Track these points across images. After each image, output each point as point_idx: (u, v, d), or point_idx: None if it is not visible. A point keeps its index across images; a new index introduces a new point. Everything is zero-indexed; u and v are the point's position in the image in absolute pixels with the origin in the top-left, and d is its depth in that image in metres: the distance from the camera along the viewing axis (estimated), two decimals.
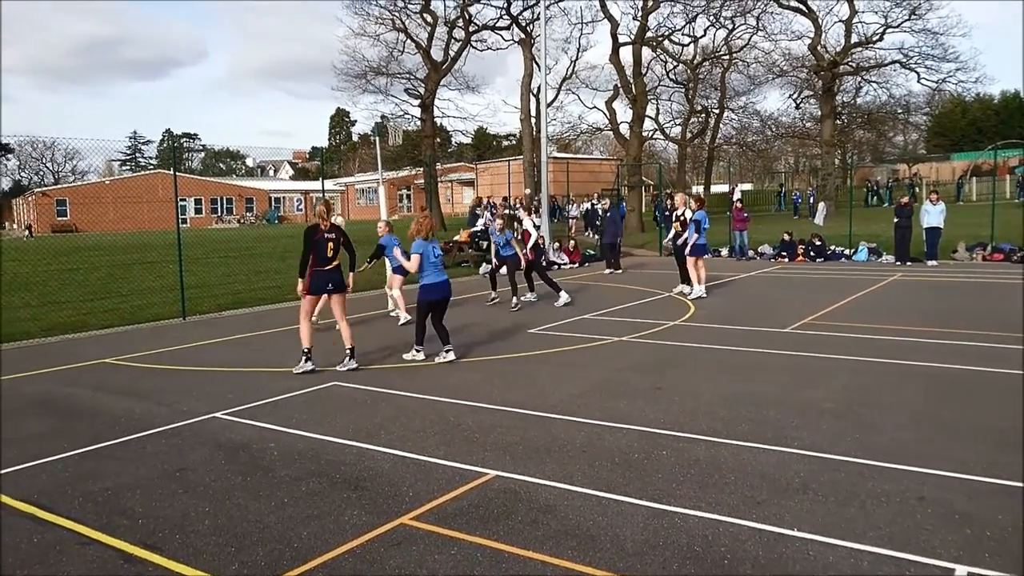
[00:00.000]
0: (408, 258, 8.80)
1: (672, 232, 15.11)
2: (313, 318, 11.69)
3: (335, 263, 8.39)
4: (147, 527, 4.47)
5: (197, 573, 3.90)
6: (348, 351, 8.49)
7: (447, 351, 8.79)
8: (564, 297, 12.92)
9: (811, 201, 39.02)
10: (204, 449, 5.89)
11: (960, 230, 20.94)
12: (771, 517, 4.35)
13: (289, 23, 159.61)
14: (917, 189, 42.55)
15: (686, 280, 14.36)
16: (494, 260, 13.98)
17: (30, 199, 64.62)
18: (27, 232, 50.14)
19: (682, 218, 14.40)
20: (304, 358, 8.37)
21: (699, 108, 41.88)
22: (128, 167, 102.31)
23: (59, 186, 73.30)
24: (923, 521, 4.25)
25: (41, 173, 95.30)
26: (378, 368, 8.64)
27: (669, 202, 20.90)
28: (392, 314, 12.29)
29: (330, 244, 8.28)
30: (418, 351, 8.89)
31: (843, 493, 4.67)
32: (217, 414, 6.84)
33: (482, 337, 10.42)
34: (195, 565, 3.98)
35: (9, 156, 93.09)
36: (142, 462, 5.63)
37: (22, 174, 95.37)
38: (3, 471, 5.50)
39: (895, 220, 19.24)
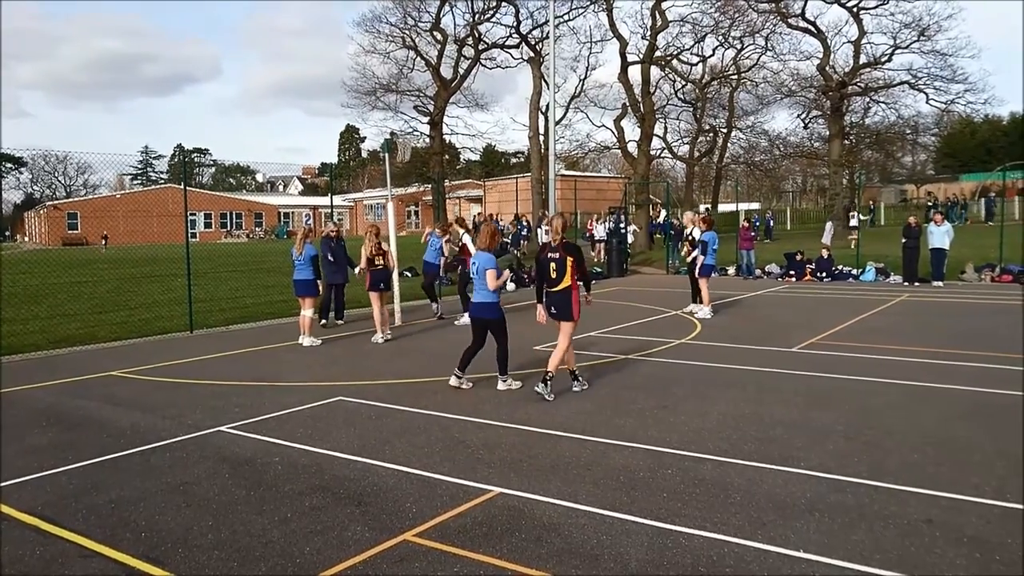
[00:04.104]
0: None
1: (683, 251, 15.18)
2: (303, 330, 11.76)
3: (559, 286, 7.74)
4: (150, 541, 4.46)
5: None
6: (545, 373, 7.82)
7: (456, 375, 8.25)
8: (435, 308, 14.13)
9: (770, 224, 38.52)
10: (208, 463, 5.88)
11: (969, 251, 20.87)
12: (777, 538, 4.31)
13: (303, 42, 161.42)
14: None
15: (698, 299, 14.39)
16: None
17: (42, 212, 65.16)
18: (103, 241, 49.98)
19: (691, 238, 14.44)
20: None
21: (707, 127, 41.97)
22: (139, 181, 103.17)
23: (71, 199, 73.93)
24: (931, 544, 4.21)
25: (53, 186, 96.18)
26: (384, 383, 8.63)
27: (676, 221, 21.16)
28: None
29: (553, 265, 7.75)
30: (454, 374, 8.29)
31: (850, 515, 4.63)
32: (222, 428, 6.84)
33: (486, 354, 10.40)
34: None
35: (22, 169, 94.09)
36: (147, 475, 5.63)
37: (35, 187, 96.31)
38: (9, 483, 5.51)
39: (903, 240, 19.22)
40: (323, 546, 4.33)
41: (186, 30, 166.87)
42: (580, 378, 8.15)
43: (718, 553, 4.14)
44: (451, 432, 6.58)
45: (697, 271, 13.90)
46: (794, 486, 5.13)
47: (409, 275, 19.85)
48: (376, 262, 11.69)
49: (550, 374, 7.74)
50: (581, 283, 7.92)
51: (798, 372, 8.81)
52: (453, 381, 8.17)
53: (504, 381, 8.21)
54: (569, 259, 7.72)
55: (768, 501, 4.87)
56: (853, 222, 29.34)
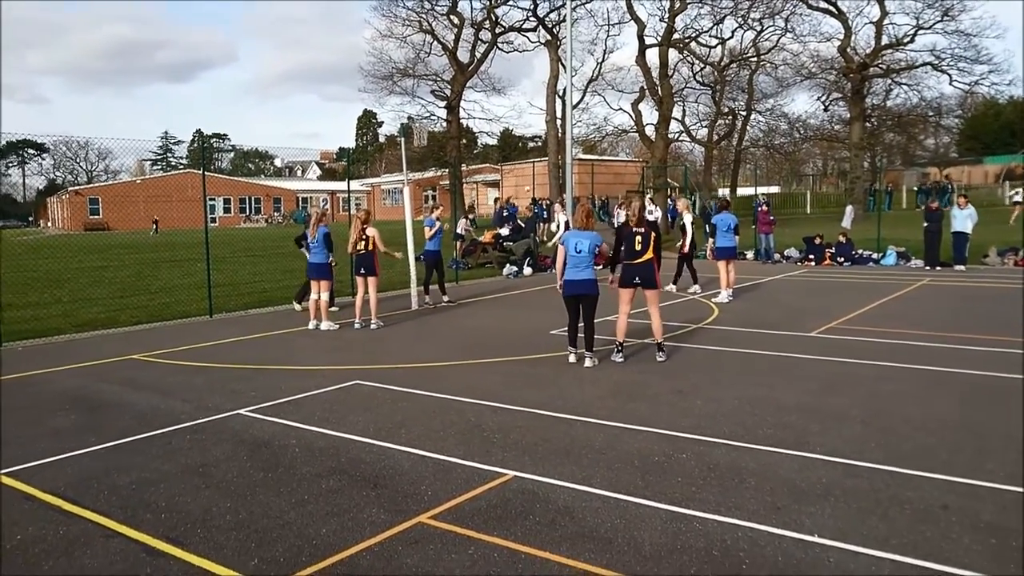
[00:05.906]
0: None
1: (679, 243, 15.74)
2: (306, 308, 11.84)
3: (643, 258, 8.64)
4: (170, 521, 4.54)
5: (218, 567, 3.95)
6: (656, 344, 8.85)
7: (588, 356, 8.58)
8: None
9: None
10: (227, 445, 5.96)
11: (993, 235, 20.58)
12: (791, 523, 4.31)
13: (317, 29, 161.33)
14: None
15: (679, 279, 15.49)
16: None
17: (64, 198, 65.81)
18: (154, 226, 49.00)
19: (682, 224, 15.49)
20: (616, 350, 8.84)
21: (726, 110, 41.60)
22: (159, 167, 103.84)
23: (92, 185, 74.61)
24: (947, 530, 4.19)
25: (75, 172, 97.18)
26: (401, 367, 8.68)
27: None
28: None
29: (638, 238, 8.63)
30: (570, 351, 8.81)
31: (865, 500, 4.61)
32: (241, 411, 6.92)
33: (502, 338, 10.44)
34: (216, 559, 4.03)
35: (44, 156, 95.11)
36: (167, 457, 5.71)
37: (57, 173, 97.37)
38: (32, 464, 5.61)
39: (924, 224, 18.99)
40: (339, 528, 4.38)
41: (199, 17, 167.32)
42: (664, 349, 8.86)
43: (732, 537, 4.14)
44: (466, 416, 6.62)
45: (710, 254, 14.24)
46: (809, 471, 5.12)
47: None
48: (359, 247, 11.56)
49: (659, 341, 8.83)
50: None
51: (814, 357, 8.76)
52: (572, 358, 8.70)
53: (591, 358, 8.57)
54: (653, 234, 8.68)
55: (783, 486, 4.86)
56: (1017, 198, 27.98)
